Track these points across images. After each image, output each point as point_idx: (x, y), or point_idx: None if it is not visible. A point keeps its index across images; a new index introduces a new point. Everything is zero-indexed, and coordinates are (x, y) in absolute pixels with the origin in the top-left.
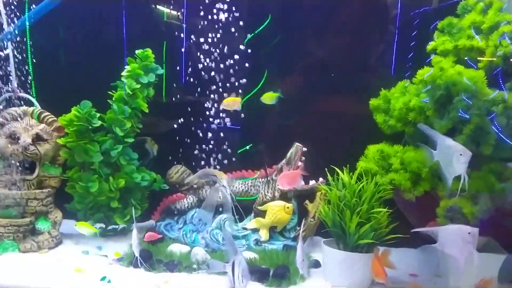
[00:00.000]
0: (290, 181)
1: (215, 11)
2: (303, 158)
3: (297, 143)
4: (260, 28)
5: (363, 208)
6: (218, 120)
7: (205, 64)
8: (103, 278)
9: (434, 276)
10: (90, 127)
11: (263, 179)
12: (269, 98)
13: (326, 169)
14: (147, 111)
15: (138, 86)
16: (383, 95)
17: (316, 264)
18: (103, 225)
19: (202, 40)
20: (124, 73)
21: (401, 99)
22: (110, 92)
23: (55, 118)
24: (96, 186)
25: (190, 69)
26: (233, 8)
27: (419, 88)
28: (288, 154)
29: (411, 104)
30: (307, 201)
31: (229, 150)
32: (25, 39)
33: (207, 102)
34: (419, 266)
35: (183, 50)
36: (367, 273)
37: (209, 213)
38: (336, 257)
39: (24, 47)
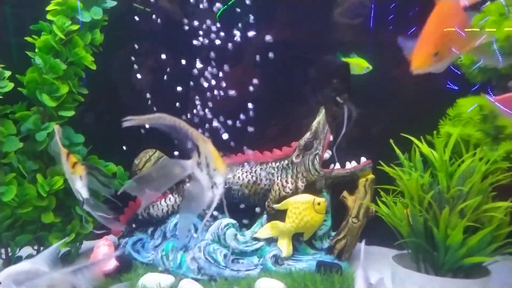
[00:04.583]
0: None
1: None
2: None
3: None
4: None
5: (470, 204)
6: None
7: None
8: None
9: None
10: None
11: (278, 163)
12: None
13: (391, 140)
14: (94, 67)
15: (75, 27)
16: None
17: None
18: (34, 251)
19: None
20: (50, 7)
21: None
22: (29, 38)
23: None
24: (12, 191)
25: None
26: None
27: None
28: (314, 124)
29: None
30: (345, 193)
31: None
32: None
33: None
34: None
35: None
36: None
37: (193, 215)
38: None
39: None
